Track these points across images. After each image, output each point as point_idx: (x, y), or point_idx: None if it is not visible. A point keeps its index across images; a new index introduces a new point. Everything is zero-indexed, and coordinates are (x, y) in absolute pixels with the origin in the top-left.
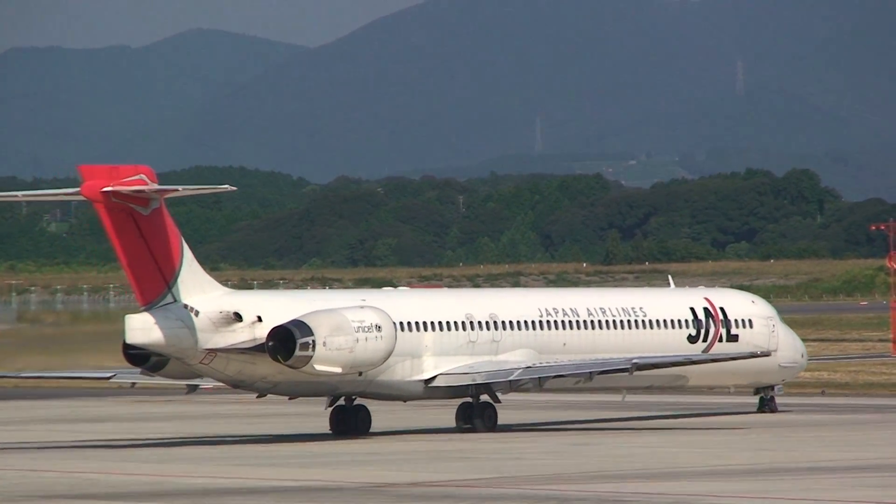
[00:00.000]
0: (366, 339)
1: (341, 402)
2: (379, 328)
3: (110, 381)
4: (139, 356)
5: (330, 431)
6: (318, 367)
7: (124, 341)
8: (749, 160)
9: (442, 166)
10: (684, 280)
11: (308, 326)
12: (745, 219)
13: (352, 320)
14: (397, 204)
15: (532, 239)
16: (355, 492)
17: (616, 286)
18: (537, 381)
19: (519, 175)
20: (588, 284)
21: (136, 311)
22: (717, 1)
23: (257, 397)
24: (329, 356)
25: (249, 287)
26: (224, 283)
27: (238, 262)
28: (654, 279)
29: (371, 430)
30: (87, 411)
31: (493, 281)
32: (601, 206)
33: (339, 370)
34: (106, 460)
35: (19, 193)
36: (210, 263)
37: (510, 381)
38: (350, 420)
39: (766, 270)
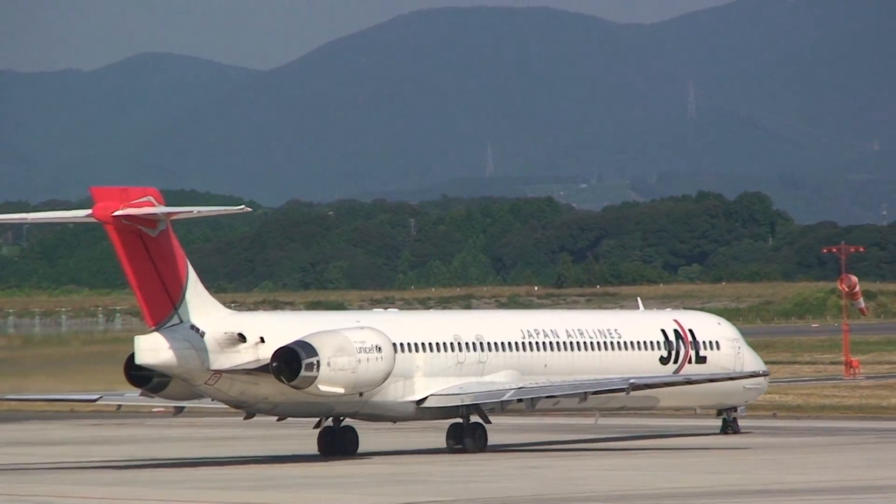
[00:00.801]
0: (367, 359)
1: (329, 423)
2: (379, 349)
3: (97, 402)
4: (142, 377)
5: (318, 452)
6: (322, 388)
7: (127, 362)
8: (700, 183)
9: (393, 189)
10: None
11: (312, 347)
12: (697, 241)
13: (354, 341)
14: (349, 227)
15: (483, 262)
16: None
17: (568, 309)
18: (530, 402)
19: (470, 198)
20: (540, 307)
21: (134, 331)
22: (668, 24)
23: (245, 418)
24: (333, 377)
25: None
26: None
27: None
28: (605, 302)
29: (358, 452)
30: (40, 434)
31: (444, 304)
32: (552, 229)
33: (341, 391)
34: (58, 483)
35: (28, 216)
36: None
37: (502, 401)
38: (338, 441)
39: (718, 293)
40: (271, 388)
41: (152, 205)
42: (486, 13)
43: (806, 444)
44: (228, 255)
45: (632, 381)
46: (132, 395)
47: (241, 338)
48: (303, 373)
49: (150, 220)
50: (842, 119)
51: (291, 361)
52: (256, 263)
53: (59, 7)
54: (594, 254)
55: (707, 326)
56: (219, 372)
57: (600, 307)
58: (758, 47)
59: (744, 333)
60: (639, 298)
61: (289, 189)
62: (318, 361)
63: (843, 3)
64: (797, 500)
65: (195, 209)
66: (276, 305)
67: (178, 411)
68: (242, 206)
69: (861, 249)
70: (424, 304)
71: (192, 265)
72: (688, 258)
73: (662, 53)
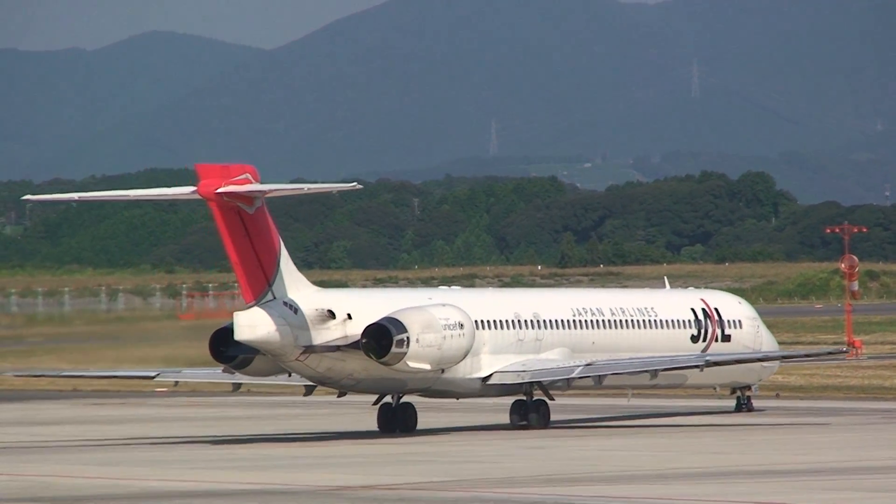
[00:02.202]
0: (451, 336)
1: (388, 399)
2: (461, 326)
3: (154, 379)
4: (228, 354)
5: (378, 429)
6: (411, 364)
7: (213, 337)
8: (704, 163)
9: (397, 169)
10: (639, 283)
11: (402, 324)
12: (700, 221)
13: (439, 318)
14: (352, 206)
15: (487, 241)
16: (310, 495)
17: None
18: (598, 379)
19: (474, 178)
20: (543, 287)
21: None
22: (672, 4)
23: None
24: (421, 353)
25: (205, 290)
26: (180, 286)
27: (193, 265)
28: (608, 282)
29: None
30: (42, 414)
31: (448, 283)
32: (556, 209)
33: (428, 367)
34: (61, 463)
35: (131, 192)
36: (165, 266)
37: (569, 378)
38: (398, 418)
39: (721, 273)
40: (357, 364)
41: (250, 182)
42: None
43: (809, 424)
44: None
45: (707, 358)
46: (189, 372)
47: (331, 314)
48: (394, 349)
49: (248, 197)
50: (845, 99)
51: (382, 338)
52: None
53: None
54: (598, 234)
55: (730, 305)
56: (310, 348)
57: (603, 286)
58: (762, 27)
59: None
60: (665, 278)
61: (293, 168)
62: (407, 338)
63: None
64: (801, 479)
65: (305, 186)
66: None
67: (236, 388)
68: (354, 184)
69: (864, 230)
70: (428, 284)
71: (196, 245)
72: (691, 238)
73: (666, 33)
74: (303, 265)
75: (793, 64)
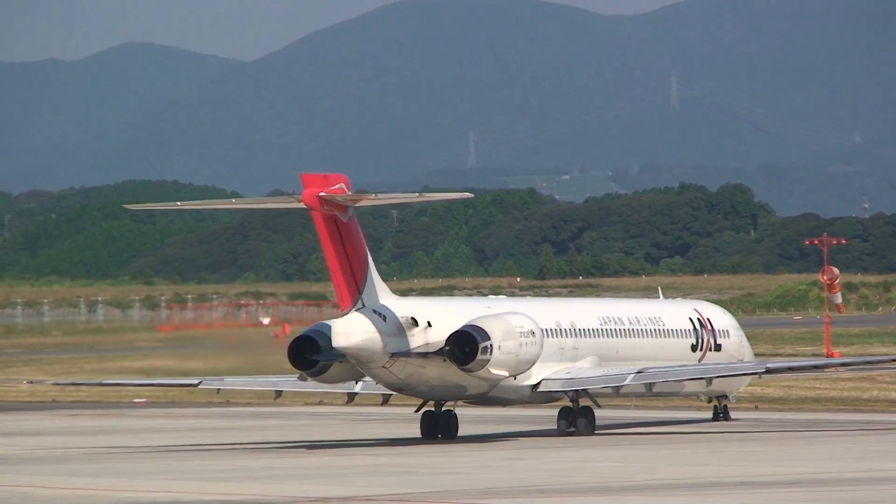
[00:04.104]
0: (526, 343)
1: (430, 407)
2: (533, 334)
3: (198, 387)
4: (308, 361)
5: (421, 436)
6: (493, 371)
7: (291, 345)
8: (682, 175)
9: (375, 180)
10: (619, 294)
11: (485, 331)
12: (679, 233)
13: (515, 325)
14: None
15: (466, 253)
16: None
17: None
18: (648, 387)
19: (452, 189)
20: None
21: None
22: (650, 15)
23: (347, 402)
24: (502, 360)
25: (183, 301)
26: (158, 298)
27: (172, 277)
28: (587, 294)
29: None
30: (21, 425)
31: (426, 295)
32: (535, 221)
33: (506, 374)
34: (39, 474)
35: (233, 200)
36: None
37: (620, 386)
38: (441, 425)
39: (700, 285)
40: (435, 371)
41: (344, 191)
42: (468, 4)
43: (788, 437)
44: (211, 246)
45: (768, 365)
46: (231, 380)
47: (414, 322)
48: (479, 356)
49: (343, 206)
50: (823, 111)
51: (466, 345)
52: (239, 254)
53: None
54: (576, 245)
55: (718, 316)
56: (396, 355)
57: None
58: (740, 39)
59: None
60: (659, 289)
61: (271, 179)
62: (490, 345)
63: None
64: (780, 491)
65: (416, 195)
66: (258, 297)
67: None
68: (466, 193)
69: (843, 241)
70: (406, 296)
71: (174, 257)
72: (670, 250)
73: (644, 45)
74: (281, 277)
75: (771, 76)
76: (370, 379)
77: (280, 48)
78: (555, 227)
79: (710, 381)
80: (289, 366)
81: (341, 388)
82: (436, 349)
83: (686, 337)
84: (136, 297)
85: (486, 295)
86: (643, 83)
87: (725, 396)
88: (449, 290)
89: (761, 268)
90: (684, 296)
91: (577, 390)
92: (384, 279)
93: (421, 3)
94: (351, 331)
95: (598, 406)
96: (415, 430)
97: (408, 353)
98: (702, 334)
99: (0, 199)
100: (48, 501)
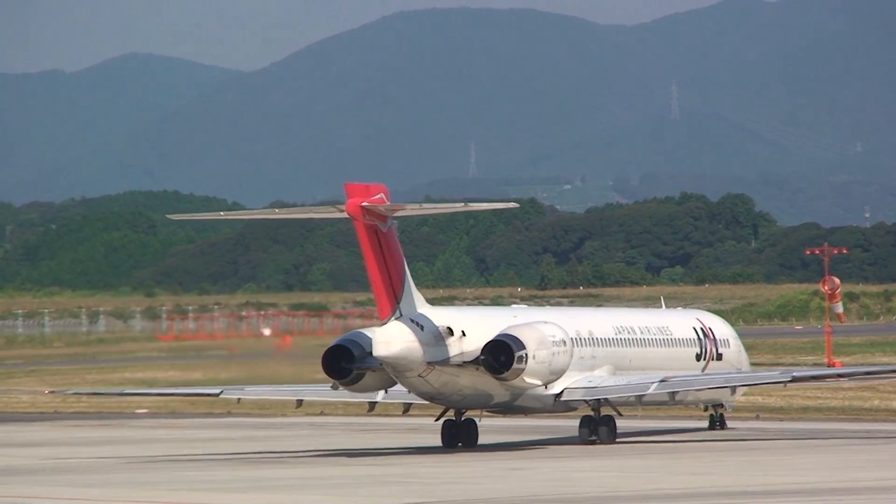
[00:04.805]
0: (558, 353)
1: (450, 415)
2: (564, 343)
3: (219, 396)
4: (342, 370)
5: (441, 444)
6: (528, 380)
7: (326, 353)
8: (683, 184)
9: None
10: (620, 304)
11: (520, 340)
12: (680, 243)
13: (548, 335)
14: (332, 228)
15: (467, 263)
16: None
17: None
18: (672, 395)
19: (453, 199)
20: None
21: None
22: (651, 25)
23: (369, 411)
24: (536, 369)
25: (184, 312)
26: (159, 308)
27: (173, 287)
28: (588, 304)
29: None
30: (21, 436)
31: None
32: (535, 231)
33: (539, 382)
34: (37, 485)
35: (276, 210)
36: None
37: (643, 395)
38: (461, 434)
39: (701, 295)
40: (468, 380)
41: (384, 200)
42: (470, 14)
43: (790, 446)
44: (212, 257)
45: (794, 374)
46: (251, 390)
47: (450, 331)
48: (514, 365)
49: (383, 216)
50: (824, 121)
51: (501, 354)
52: (240, 265)
53: (42, 8)
54: (577, 255)
55: (718, 325)
56: (432, 364)
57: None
58: (740, 49)
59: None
60: (661, 298)
61: (273, 190)
62: (526, 354)
63: (824, 4)
64: (781, 500)
65: (461, 203)
66: (259, 307)
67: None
68: (511, 203)
69: (844, 251)
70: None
71: (176, 267)
72: (671, 260)
73: (645, 55)
74: (283, 287)
75: (772, 86)
76: (396, 388)
77: (281, 59)
78: (556, 237)
79: (733, 390)
80: (290, 376)
81: (363, 398)
82: (470, 358)
83: (691, 346)
84: (138, 308)
85: (487, 306)
86: (644, 93)
87: (722, 405)
88: (450, 301)
89: (762, 277)
90: (685, 306)
91: (598, 399)
92: None
93: (421, 13)
94: (391, 340)
95: (620, 415)
96: (418, 440)
97: (444, 362)
98: (705, 343)
99: (1, 209)
100: None
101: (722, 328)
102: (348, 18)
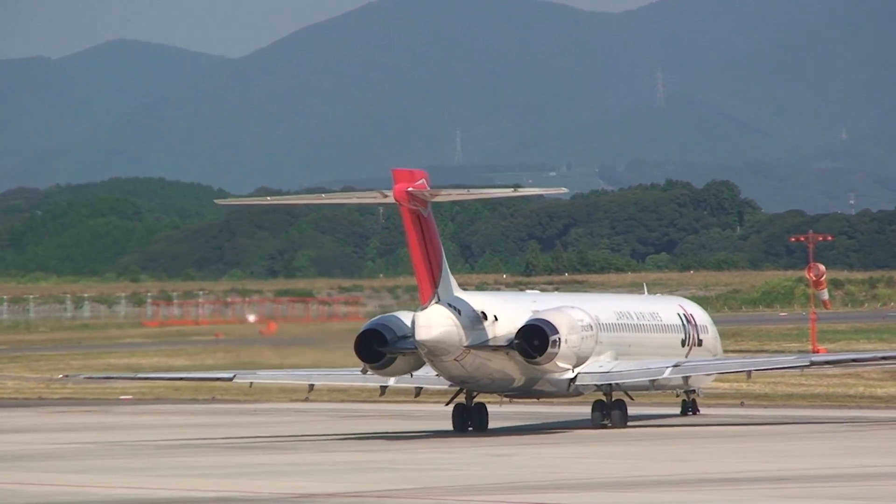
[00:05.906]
0: (586, 337)
1: (461, 399)
2: (591, 328)
3: (232, 381)
4: (375, 353)
5: (452, 428)
6: (560, 364)
7: (359, 337)
8: (669, 171)
9: (362, 177)
10: (605, 291)
11: (553, 325)
12: (665, 230)
13: (577, 319)
14: (317, 215)
15: (452, 250)
16: (273, 502)
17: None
18: (684, 380)
19: (439, 186)
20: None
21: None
22: (637, 12)
23: (380, 394)
24: (567, 353)
25: (169, 298)
26: (144, 294)
27: (158, 274)
28: (573, 290)
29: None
30: (7, 422)
31: (412, 293)
32: (521, 218)
33: (569, 366)
34: (28, 471)
35: (323, 195)
36: (130, 274)
37: (657, 379)
38: (473, 418)
39: (686, 281)
40: (498, 364)
41: (425, 186)
42: (455, 1)
43: (773, 433)
44: (197, 243)
45: (812, 358)
46: (264, 374)
47: (484, 316)
48: (549, 349)
49: (424, 201)
50: (809, 108)
51: (535, 338)
52: (225, 251)
53: None
54: (562, 242)
55: (698, 312)
56: (468, 348)
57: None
58: (726, 37)
59: (713, 321)
60: (644, 284)
61: (258, 177)
62: (559, 338)
63: None
64: (766, 487)
65: (516, 190)
66: (244, 293)
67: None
68: (562, 188)
69: (829, 238)
70: (392, 293)
71: (161, 253)
72: (656, 246)
73: (631, 42)
74: (268, 274)
75: (757, 73)
76: (418, 373)
77: (267, 45)
78: (541, 223)
79: (749, 375)
80: (268, 361)
81: (376, 381)
82: (502, 343)
83: (678, 332)
84: (123, 294)
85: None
86: (630, 80)
87: (694, 391)
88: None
89: (747, 264)
90: (670, 292)
91: (610, 384)
92: (370, 275)
93: (407, 1)
94: (432, 323)
95: (632, 399)
96: (408, 426)
97: (481, 346)
98: (688, 330)
99: None
100: (36, 498)
101: (701, 315)
102: (334, 5)
